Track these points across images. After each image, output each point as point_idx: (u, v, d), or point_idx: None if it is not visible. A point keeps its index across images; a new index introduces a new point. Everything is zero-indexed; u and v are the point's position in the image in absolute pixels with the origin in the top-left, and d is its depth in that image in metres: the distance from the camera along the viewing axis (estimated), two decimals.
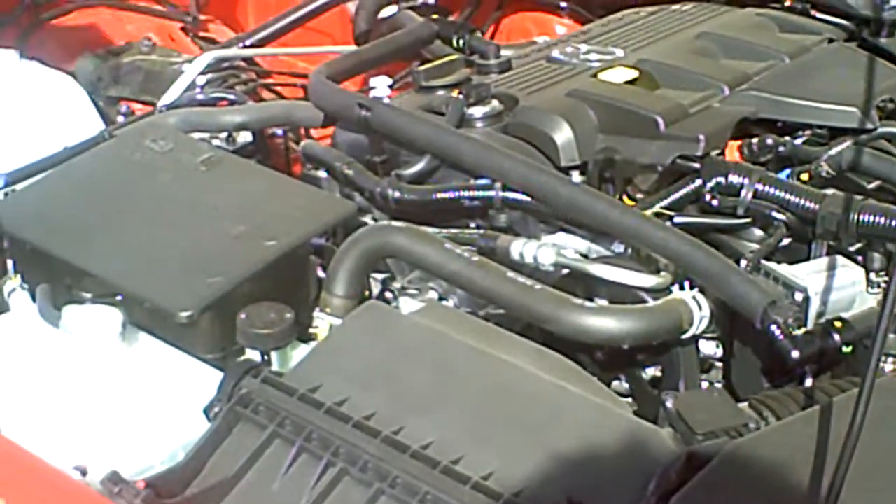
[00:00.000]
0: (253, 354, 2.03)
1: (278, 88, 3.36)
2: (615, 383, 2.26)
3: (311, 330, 2.15)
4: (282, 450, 1.76)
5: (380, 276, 2.39)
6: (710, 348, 2.21)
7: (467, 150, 2.41)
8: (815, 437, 1.62)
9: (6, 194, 2.48)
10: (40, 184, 2.48)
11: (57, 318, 2.12)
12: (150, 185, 2.41)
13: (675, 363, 2.15)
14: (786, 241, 2.32)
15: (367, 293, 2.29)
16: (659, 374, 2.20)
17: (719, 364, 2.24)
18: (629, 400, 2.22)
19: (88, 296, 2.17)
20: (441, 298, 2.33)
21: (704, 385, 2.19)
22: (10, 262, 2.32)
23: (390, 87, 2.78)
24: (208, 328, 2.09)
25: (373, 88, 2.77)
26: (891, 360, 2.00)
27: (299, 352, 2.05)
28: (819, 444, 1.61)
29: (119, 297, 2.14)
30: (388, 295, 2.35)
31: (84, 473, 1.83)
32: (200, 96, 2.97)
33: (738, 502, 1.57)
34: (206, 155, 2.48)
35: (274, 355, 2.03)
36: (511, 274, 2.11)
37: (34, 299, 2.21)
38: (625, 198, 2.46)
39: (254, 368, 1.87)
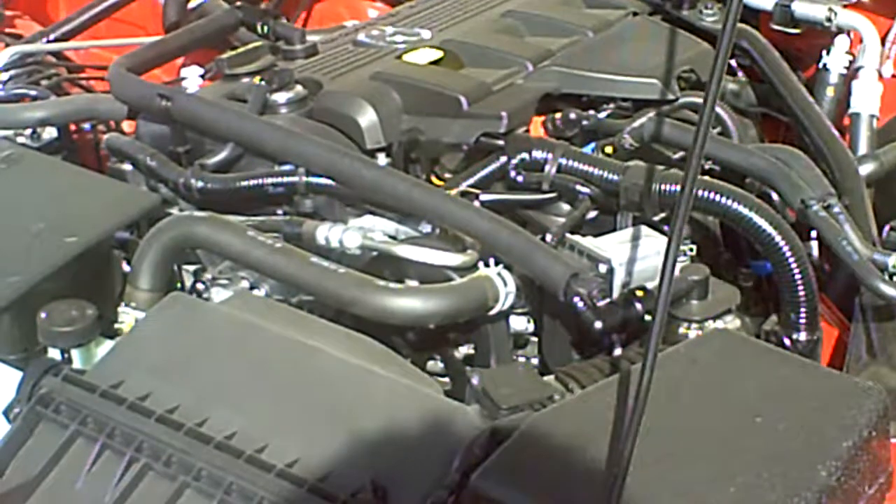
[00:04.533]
0: (55, 353, 1.99)
1: (88, 83, 3.29)
2: (430, 363, 2.27)
3: (116, 325, 2.11)
4: (85, 448, 1.74)
5: (192, 268, 2.36)
6: (522, 324, 2.22)
7: (269, 137, 2.39)
8: (613, 405, 1.64)
9: None
10: None
11: None
12: None
13: (485, 340, 2.16)
14: (592, 214, 2.35)
15: (178, 285, 2.26)
16: (472, 352, 2.21)
17: (535, 339, 2.26)
18: (445, 379, 2.23)
19: None
20: (252, 287, 2.31)
21: (522, 361, 2.21)
22: None
23: (202, 77, 2.74)
24: (8, 329, 2.04)
25: (184, 79, 2.74)
26: (693, 326, 2.02)
27: (104, 348, 2.01)
28: (617, 412, 1.63)
29: None
30: (200, 286, 2.32)
31: None
32: (1, 93, 2.91)
33: (537, 473, 1.57)
34: (5, 153, 2.42)
35: (76, 353, 1.99)
36: (315, 259, 2.09)
37: None
38: (433, 178, 2.46)
39: (54, 367, 1.84)
